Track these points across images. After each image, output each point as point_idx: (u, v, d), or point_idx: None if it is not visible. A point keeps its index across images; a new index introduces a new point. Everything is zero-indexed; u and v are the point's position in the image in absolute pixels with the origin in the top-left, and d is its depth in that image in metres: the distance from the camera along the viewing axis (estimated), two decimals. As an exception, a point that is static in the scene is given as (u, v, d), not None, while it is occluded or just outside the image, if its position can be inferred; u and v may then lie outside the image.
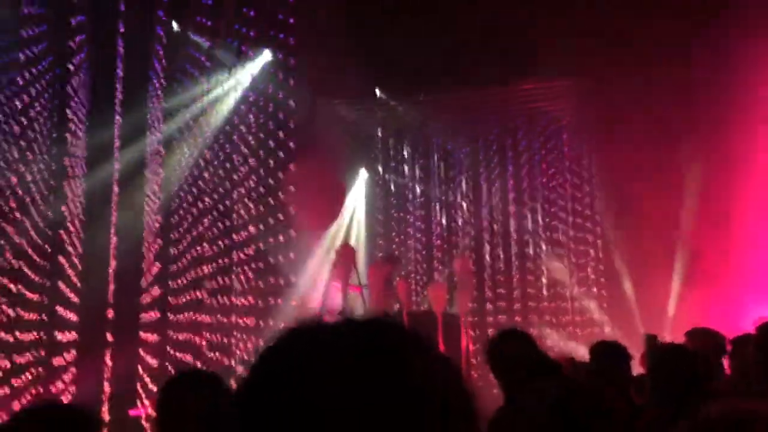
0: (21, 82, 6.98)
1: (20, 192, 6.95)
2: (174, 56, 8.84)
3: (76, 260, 7.56)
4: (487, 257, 12.89)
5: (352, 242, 10.76)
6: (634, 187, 11.10)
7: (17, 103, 6.91)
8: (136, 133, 8.22)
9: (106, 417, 7.44)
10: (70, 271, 7.48)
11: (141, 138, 8.32)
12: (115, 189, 7.90)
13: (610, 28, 9.13)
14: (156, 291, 8.55)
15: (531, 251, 12.87)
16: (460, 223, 13.14)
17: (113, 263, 7.92)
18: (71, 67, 7.53)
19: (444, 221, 13.06)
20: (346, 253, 9.53)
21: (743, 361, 3.18)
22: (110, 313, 7.83)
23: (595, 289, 12.45)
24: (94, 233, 7.75)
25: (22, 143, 6.97)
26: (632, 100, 10.47)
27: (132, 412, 7.88)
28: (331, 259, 9.97)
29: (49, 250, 7.24)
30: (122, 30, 7.85)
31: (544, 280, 12.71)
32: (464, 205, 13.21)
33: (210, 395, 2.16)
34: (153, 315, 8.48)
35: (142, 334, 8.37)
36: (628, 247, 11.74)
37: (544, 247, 12.83)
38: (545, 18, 9.08)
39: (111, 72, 7.91)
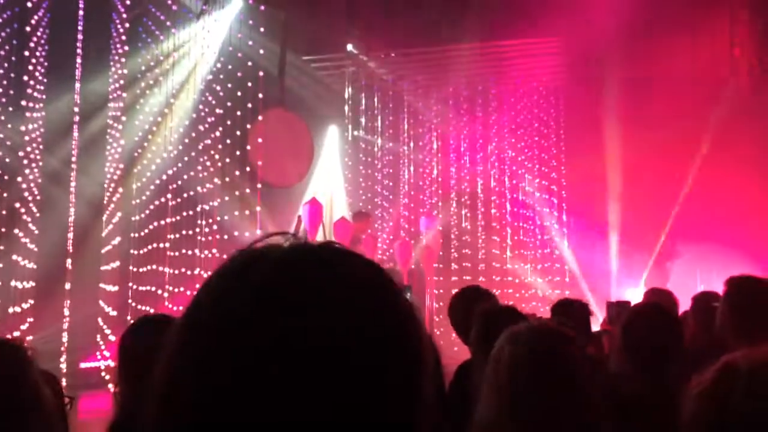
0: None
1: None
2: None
3: (33, 207, 7.34)
4: (454, 217, 12.91)
5: (321, 198, 10.63)
6: (604, 152, 11.19)
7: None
8: (98, 75, 7.96)
9: (63, 368, 7.33)
10: (27, 218, 7.27)
11: (103, 79, 8.06)
12: (75, 132, 7.65)
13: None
14: (117, 241, 8.38)
15: (497, 212, 12.93)
16: (428, 182, 13.11)
17: (72, 211, 7.71)
18: (30, 5, 7.20)
19: (412, 179, 13.01)
20: (312, 209, 9.43)
21: (707, 317, 3.23)
22: (69, 263, 7.65)
23: (557, 252, 12.60)
24: (54, 179, 7.53)
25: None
26: (610, 62, 10.47)
27: (84, 363, 7.77)
28: (298, 215, 9.87)
29: (5, 195, 7.01)
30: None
31: (508, 241, 12.81)
32: (433, 163, 13.17)
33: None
34: (113, 265, 8.32)
35: (102, 284, 8.22)
36: (593, 211, 11.87)
37: (509, 207, 12.91)
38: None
39: (73, 12, 7.60)
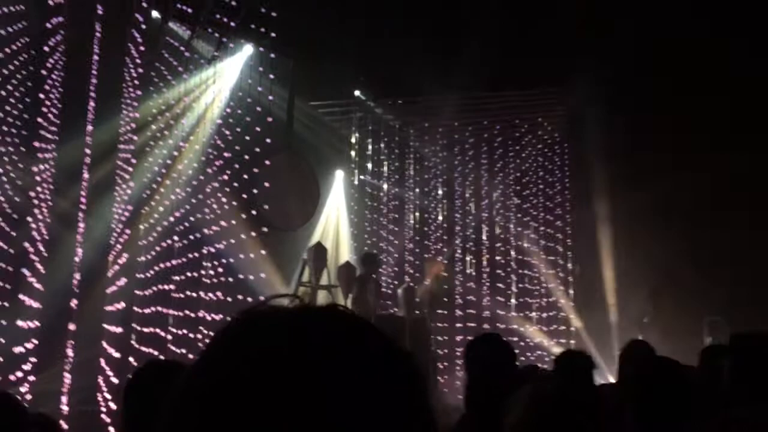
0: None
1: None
2: (152, 44, 8.70)
3: (41, 247, 7.39)
4: (459, 263, 12.90)
5: (326, 242, 10.67)
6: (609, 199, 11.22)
7: None
8: (110, 118, 8.07)
9: (65, 409, 7.27)
10: (34, 258, 7.31)
11: (115, 122, 8.17)
12: (86, 174, 7.73)
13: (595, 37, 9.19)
14: (122, 282, 8.39)
15: (502, 259, 12.92)
16: (433, 228, 13.15)
17: (79, 251, 7.75)
18: (46, 49, 7.38)
19: (417, 225, 13.05)
20: (318, 253, 9.45)
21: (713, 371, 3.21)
22: (74, 303, 7.66)
23: (563, 301, 12.52)
24: (62, 219, 7.59)
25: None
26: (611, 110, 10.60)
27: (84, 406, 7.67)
28: (302, 258, 9.88)
29: (14, 235, 7.07)
30: (101, 12, 7.70)
31: (513, 289, 12.76)
32: (438, 209, 13.22)
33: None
34: (118, 306, 8.31)
35: (106, 325, 8.19)
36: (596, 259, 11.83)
37: (514, 254, 12.90)
38: (529, 26, 9.13)
39: (87, 56, 7.76)
